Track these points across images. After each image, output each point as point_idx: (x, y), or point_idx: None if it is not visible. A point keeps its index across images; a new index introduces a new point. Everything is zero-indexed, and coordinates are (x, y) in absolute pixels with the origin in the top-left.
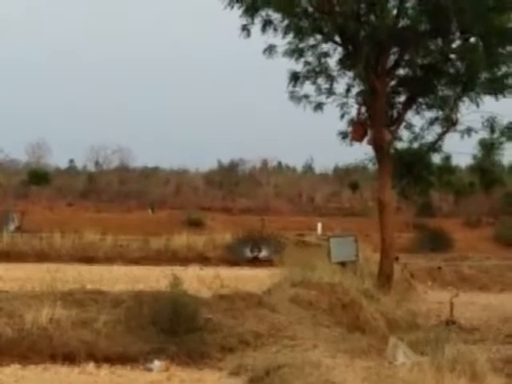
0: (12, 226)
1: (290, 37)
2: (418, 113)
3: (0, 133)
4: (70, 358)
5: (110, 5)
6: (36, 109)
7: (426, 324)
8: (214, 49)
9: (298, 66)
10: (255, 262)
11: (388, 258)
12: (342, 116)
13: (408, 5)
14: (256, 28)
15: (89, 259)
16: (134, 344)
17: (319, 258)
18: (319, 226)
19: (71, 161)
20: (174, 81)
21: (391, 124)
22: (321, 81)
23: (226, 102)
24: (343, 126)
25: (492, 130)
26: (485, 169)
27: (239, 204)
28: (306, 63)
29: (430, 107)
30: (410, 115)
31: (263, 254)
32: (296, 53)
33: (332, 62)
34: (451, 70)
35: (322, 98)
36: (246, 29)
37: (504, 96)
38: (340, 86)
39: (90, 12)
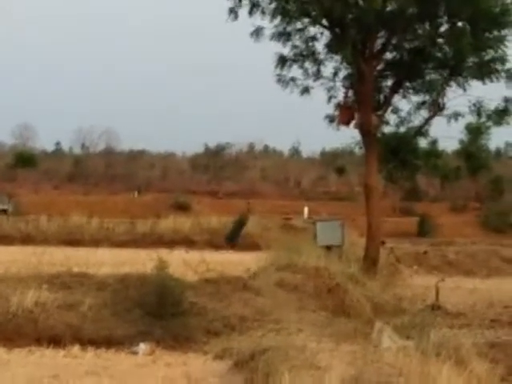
0: None
1: (277, 20)
2: (404, 97)
3: None
4: (55, 341)
5: None
6: (22, 91)
7: (412, 308)
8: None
9: (286, 50)
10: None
11: (374, 242)
12: (329, 100)
13: None
14: (243, 11)
15: (75, 242)
16: (119, 327)
17: (305, 241)
18: (306, 209)
19: (58, 144)
20: (163, 66)
21: (378, 108)
22: (308, 64)
23: (212, 85)
24: (330, 109)
25: (479, 115)
26: (471, 153)
27: (225, 187)
28: (294, 46)
29: (417, 91)
30: (397, 99)
31: None
32: (283, 36)
33: (319, 45)
34: (438, 55)
35: (310, 82)
36: (233, 11)
37: (491, 80)
38: (327, 70)
39: None
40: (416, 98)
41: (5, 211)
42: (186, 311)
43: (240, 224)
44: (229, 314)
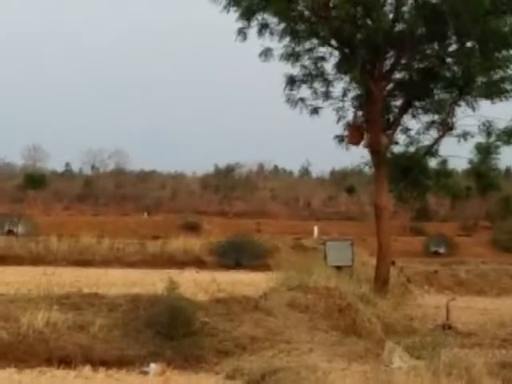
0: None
1: (286, 40)
2: (414, 117)
3: None
4: (66, 362)
5: None
6: (32, 112)
7: (423, 328)
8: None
9: (295, 70)
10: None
11: (384, 262)
12: (339, 120)
13: (405, 9)
14: (252, 32)
15: (85, 262)
16: (130, 348)
17: (316, 262)
18: (315, 229)
19: (67, 164)
20: (171, 86)
21: (388, 128)
22: (317, 84)
23: (222, 105)
24: (339, 129)
25: (488, 134)
26: (481, 173)
27: (235, 208)
28: (303, 67)
29: (426, 111)
30: (407, 119)
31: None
32: (292, 56)
33: (328, 65)
34: (447, 74)
35: (319, 102)
36: (242, 32)
37: (500, 100)
38: (336, 90)
39: None
40: (425, 118)
41: (12, 231)
42: (196, 331)
43: (240, 244)
44: (240, 334)
